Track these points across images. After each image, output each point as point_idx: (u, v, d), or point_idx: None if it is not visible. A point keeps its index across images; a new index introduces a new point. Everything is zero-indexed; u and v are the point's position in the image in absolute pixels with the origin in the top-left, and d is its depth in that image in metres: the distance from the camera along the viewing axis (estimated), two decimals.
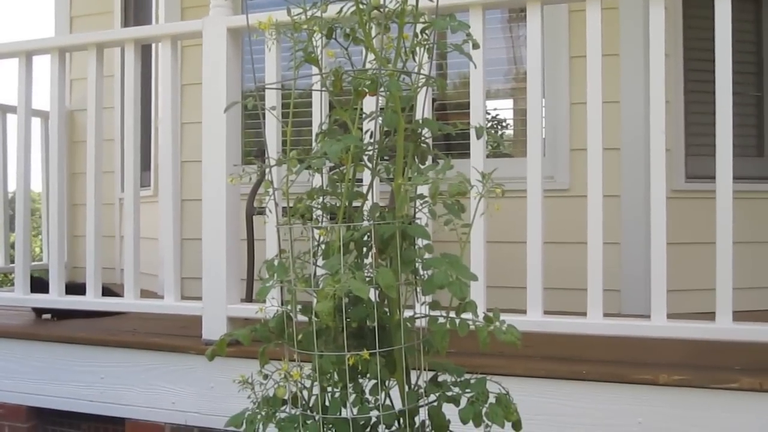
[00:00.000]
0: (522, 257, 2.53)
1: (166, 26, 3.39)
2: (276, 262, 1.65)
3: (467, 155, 2.52)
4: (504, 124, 4.49)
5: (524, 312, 2.52)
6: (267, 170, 1.67)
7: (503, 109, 4.43)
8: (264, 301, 1.62)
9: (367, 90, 1.49)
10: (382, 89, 1.54)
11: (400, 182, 1.55)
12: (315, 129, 2.58)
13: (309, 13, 1.71)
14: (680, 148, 3.84)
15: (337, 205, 1.68)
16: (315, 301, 1.52)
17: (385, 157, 1.71)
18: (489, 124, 4.32)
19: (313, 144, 1.88)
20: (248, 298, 3.62)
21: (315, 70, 1.73)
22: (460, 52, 1.69)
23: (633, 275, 3.63)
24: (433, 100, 3.24)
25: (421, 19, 1.58)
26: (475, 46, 1.55)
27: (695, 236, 3.36)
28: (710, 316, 2.34)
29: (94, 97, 3.15)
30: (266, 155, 1.83)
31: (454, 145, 4.04)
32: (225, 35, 2.82)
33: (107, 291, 3.33)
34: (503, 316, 1.56)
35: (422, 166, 1.65)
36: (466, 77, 4.21)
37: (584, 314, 2.47)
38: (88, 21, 5.49)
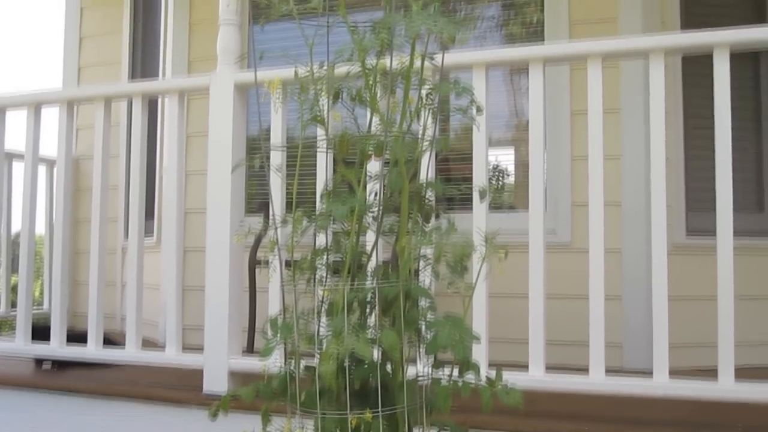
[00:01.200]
0: (523, 310, 2.54)
1: (173, 81, 3.45)
2: (279, 321, 1.66)
3: (470, 207, 2.53)
4: (506, 173, 4.52)
5: (526, 367, 2.52)
6: (272, 229, 1.69)
7: (504, 155, 4.45)
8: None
9: (372, 153, 1.52)
10: (387, 152, 1.57)
11: (404, 244, 1.57)
12: (320, 187, 2.62)
13: (315, 72, 1.75)
14: (681, 203, 3.87)
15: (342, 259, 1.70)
16: (318, 360, 1.53)
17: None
18: (491, 173, 4.35)
19: (318, 202, 1.91)
20: (249, 349, 3.62)
21: (321, 127, 1.77)
22: (463, 115, 1.72)
23: (635, 329, 3.63)
24: (436, 154, 3.27)
25: (426, 84, 1.62)
26: (479, 110, 1.59)
27: (697, 291, 3.36)
28: (713, 372, 2.33)
29: (101, 148, 3.19)
30: (271, 212, 1.85)
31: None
32: (232, 91, 2.87)
33: (108, 339, 3.32)
34: (505, 374, 1.57)
35: (426, 226, 1.67)
36: (468, 125, 4.26)
37: (586, 370, 2.46)
38: (96, 71, 5.57)
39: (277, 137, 2.81)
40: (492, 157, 4.36)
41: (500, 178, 4.45)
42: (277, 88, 1.75)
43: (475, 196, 1.76)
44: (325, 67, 1.77)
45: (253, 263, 3.61)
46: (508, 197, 4.43)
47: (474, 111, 1.61)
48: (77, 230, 4.91)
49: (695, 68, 3.83)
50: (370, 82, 1.56)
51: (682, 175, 3.88)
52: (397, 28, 1.63)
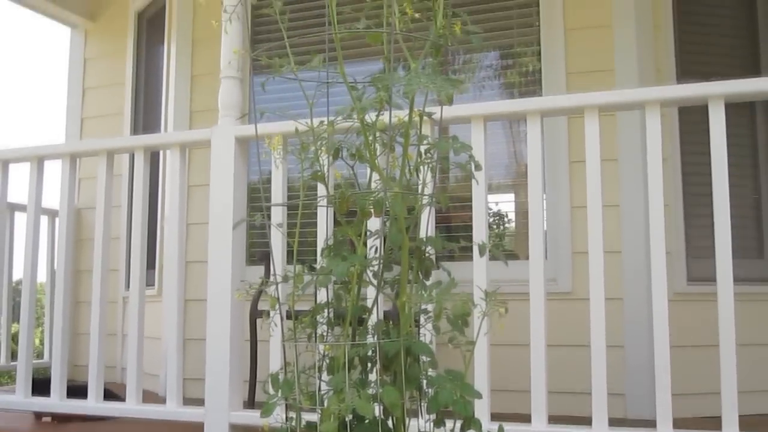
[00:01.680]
0: (525, 359, 2.53)
1: (175, 135, 3.48)
2: (281, 377, 1.66)
3: (470, 254, 2.54)
4: (505, 219, 4.54)
5: (529, 418, 2.50)
6: (273, 286, 1.70)
7: (504, 201, 4.47)
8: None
9: (372, 211, 1.54)
10: (386, 210, 1.59)
11: (404, 300, 1.58)
12: (320, 242, 2.64)
13: (316, 125, 1.78)
14: (681, 250, 3.87)
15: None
16: (319, 418, 1.52)
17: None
18: (491, 219, 4.37)
19: (318, 257, 1.92)
20: (251, 401, 3.59)
21: (322, 183, 1.79)
22: (463, 170, 1.74)
23: (637, 378, 3.61)
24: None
25: (425, 139, 1.64)
26: (477, 167, 1.61)
27: (698, 339, 3.36)
28: (717, 421, 2.32)
29: (103, 200, 3.21)
30: (272, 269, 1.87)
31: (454, 238, 4.07)
32: (233, 145, 2.90)
33: (108, 392, 3.31)
34: (507, 427, 1.56)
35: (426, 282, 1.68)
36: (467, 172, 4.28)
37: (589, 421, 2.45)
38: (99, 122, 5.63)
39: (278, 193, 2.83)
40: (492, 204, 4.38)
41: (500, 228, 4.47)
42: (278, 146, 1.77)
43: (475, 250, 1.78)
44: (325, 124, 1.80)
45: (255, 314, 3.60)
46: (508, 244, 4.44)
47: (473, 167, 1.63)
48: (78, 280, 4.91)
49: (692, 115, 3.87)
50: (370, 140, 1.59)
51: (682, 221, 3.89)
52: (396, 86, 1.67)
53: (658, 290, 2.46)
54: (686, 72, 3.96)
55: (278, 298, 1.68)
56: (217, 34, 4.71)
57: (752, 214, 4.18)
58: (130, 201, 4.48)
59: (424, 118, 1.75)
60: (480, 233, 2.51)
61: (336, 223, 1.87)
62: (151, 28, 5.51)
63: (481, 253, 1.61)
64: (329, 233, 2.67)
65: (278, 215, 2.78)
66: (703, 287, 3.70)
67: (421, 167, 1.67)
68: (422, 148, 1.68)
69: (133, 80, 5.50)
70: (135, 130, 5.40)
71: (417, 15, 1.70)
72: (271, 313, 1.78)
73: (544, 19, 4.10)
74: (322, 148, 1.65)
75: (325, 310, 1.76)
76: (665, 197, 3.91)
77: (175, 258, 3.04)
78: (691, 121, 3.92)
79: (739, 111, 4.04)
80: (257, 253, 4.42)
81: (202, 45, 4.80)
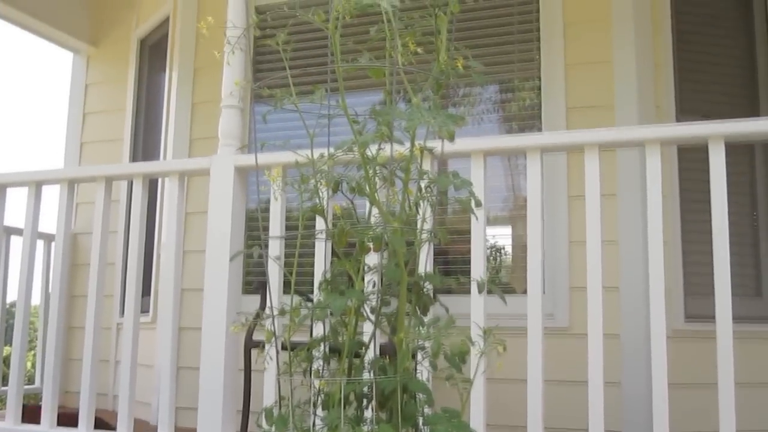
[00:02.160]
0: (522, 395, 2.51)
1: (174, 163, 3.48)
2: (275, 412, 1.64)
3: (468, 288, 2.52)
4: (503, 251, 4.52)
5: None
6: (269, 321, 1.68)
7: (502, 235, 4.45)
8: None
9: (371, 246, 1.53)
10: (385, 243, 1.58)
11: (401, 336, 1.56)
12: (317, 275, 2.62)
13: (316, 157, 1.77)
14: (679, 287, 3.86)
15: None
16: None
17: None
18: (489, 251, 4.35)
19: (316, 290, 1.91)
20: (243, 431, 3.55)
21: (321, 216, 1.78)
22: (462, 206, 1.74)
23: (634, 416, 3.58)
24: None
25: (425, 175, 1.64)
26: (478, 204, 1.60)
27: (697, 377, 3.34)
28: None
29: (100, 226, 3.19)
30: (269, 301, 1.85)
31: (452, 270, 4.06)
32: (232, 174, 2.89)
33: (99, 420, 3.26)
34: None
35: (424, 318, 1.67)
36: (465, 206, 4.27)
37: None
38: (98, 147, 5.64)
39: (275, 225, 2.82)
40: (489, 236, 4.36)
41: (497, 261, 4.45)
42: (277, 178, 1.77)
43: (474, 287, 1.77)
44: (325, 157, 1.80)
45: (249, 344, 3.58)
46: (505, 277, 4.41)
47: (473, 203, 1.63)
48: (72, 305, 4.88)
49: (690, 152, 3.88)
50: (370, 174, 1.58)
51: (680, 258, 3.88)
52: (396, 120, 1.67)
53: (657, 329, 2.44)
54: (685, 110, 3.98)
55: (274, 332, 1.67)
56: (219, 63, 4.72)
57: (750, 252, 4.17)
58: (127, 227, 4.48)
59: (424, 152, 1.75)
60: (478, 269, 2.49)
61: (334, 255, 1.86)
62: (152, 55, 5.54)
63: (480, 290, 1.60)
64: (326, 266, 2.66)
65: (276, 247, 2.77)
66: (701, 325, 3.69)
67: (421, 202, 1.67)
68: (422, 184, 1.68)
69: (134, 106, 5.52)
70: (134, 157, 5.40)
71: (419, 50, 1.70)
72: (267, 347, 1.76)
73: (545, 53, 4.12)
74: (322, 181, 1.64)
75: (321, 344, 1.74)
76: (664, 233, 3.91)
77: (171, 285, 3.02)
78: (690, 158, 3.93)
79: (737, 149, 4.05)
80: (254, 282, 4.40)
81: (203, 73, 4.82)
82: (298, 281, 4.42)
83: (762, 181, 4.15)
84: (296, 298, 1.66)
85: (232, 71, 3.01)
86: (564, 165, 3.95)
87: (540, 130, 4.06)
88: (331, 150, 1.88)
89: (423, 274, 1.63)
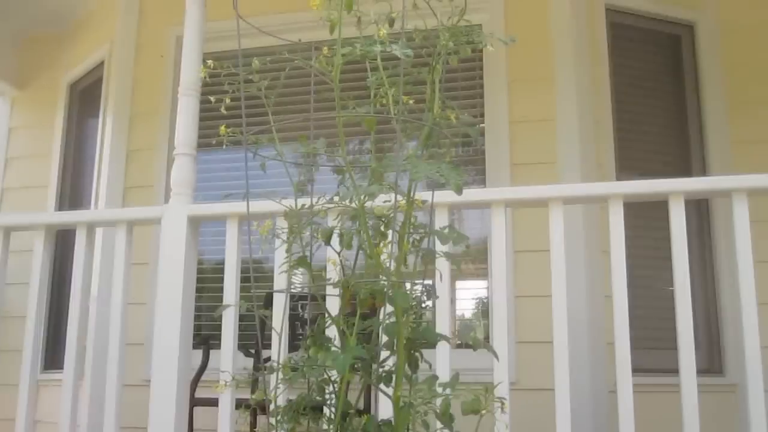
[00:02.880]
0: None
1: (123, 212, 3.31)
2: None
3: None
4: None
5: None
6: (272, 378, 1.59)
7: (465, 289, 4.43)
8: None
9: (374, 300, 1.47)
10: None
11: (399, 394, 1.51)
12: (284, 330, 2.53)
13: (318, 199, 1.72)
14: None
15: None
16: None
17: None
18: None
19: (275, 348, 1.82)
20: None
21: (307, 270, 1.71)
22: (451, 261, 1.71)
23: None
24: None
25: (422, 229, 1.60)
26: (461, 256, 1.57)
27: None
28: None
29: (38, 279, 3.01)
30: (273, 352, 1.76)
31: None
32: (185, 224, 2.78)
33: None
34: None
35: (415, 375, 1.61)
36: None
37: None
38: (22, 194, 5.36)
39: (231, 280, 2.72)
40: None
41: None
42: (265, 231, 1.70)
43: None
44: (308, 207, 1.75)
45: (192, 403, 3.41)
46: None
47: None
48: None
49: (634, 208, 3.98)
50: (365, 228, 1.53)
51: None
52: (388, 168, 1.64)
53: (624, 380, 2.46)
54: (624, 167, 4.09)
55: (272, 392, 1.58)
56: (157, 110, 4.66)
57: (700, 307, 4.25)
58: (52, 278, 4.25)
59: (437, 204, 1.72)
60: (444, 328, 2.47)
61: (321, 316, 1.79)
62: (84, 100, 5.36)
63: (475, 348, 1.56)
64: (285, 321, 2.57)
65: (231, 297, 2.66)
66: (648, 378, 3.73)
67: (414, 256, 1.63)
68: (417, 237, 1.64)
69: (62, 152, 5.30)
70: (61, 204, 5.17)
71: (411, 101, 1.69)
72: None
73: (488, 109, 4.18)
74: (316, 234, 1.59)
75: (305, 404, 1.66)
76: (607, 288, 3.96)
77: (117, 340, 2.85)
78: (634, 214, 4.02)
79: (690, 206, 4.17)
80: (196, 336, 4.23)
81: (140, 120, 4.69)
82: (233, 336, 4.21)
83: (708, 239, 4.26)
84: (287, 356, 1.58)
85: (186, 117, 2.92)
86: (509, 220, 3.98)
87: (485, 185, 4.09)
88: (320, 199, 1.83)
89: (420, 330, 1.58)
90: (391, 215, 1.61)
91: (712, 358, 4.17)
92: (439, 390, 1.42)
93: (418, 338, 1.58)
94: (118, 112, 4.72)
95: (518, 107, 4.12)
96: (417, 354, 1.66)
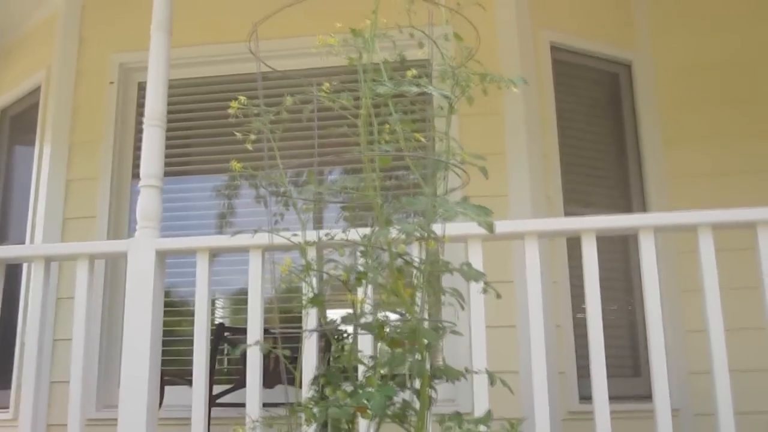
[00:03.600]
0: None
1: (85, 245, 3.12)
2: None
3: None
4: None
5: None
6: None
7: None
8: None
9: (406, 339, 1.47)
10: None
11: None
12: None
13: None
14: (573, 369, 3.99)
15: None
16: None
17: None
18: None
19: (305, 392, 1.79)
20: None
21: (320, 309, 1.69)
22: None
23: None
24: None
25: (447, 265, 1.61)
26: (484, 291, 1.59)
27: None
28: None
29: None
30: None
31: None
32: (153, 258, 2.69)
33: None
34: None
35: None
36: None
37: None
38: None
39: (202, 315, 2.66)
40: None
41: None
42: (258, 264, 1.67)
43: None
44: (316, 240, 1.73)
45: None
46: None
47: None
48: None
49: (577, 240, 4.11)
50: (392, 267, 1.53)
51: (572, 341, 4.02)
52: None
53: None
54: (570, 201, 4.21)
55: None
56: (100, 138, 4.52)
57: (627, 335, 4.41)
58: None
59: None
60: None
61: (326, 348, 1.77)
62: (16, 127, 5.14)
63: (492, 383, 1.58)
64: (258, 362, 2.54)
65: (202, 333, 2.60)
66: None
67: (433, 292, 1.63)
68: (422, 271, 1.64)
69: None
70: None
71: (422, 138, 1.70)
72: None
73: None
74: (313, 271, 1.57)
75: None
76: (558, 317, 4.06)
77: (79, 378, 2.72)
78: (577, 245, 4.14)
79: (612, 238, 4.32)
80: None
81: (80, 148, 4.53)
82: (184, 373, 4.13)
83: (636, 270, 4.42)
84: (310, 394, 1.55)
85: (152, 147, 2.84)
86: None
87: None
88: (323, 235, 1.82)
89: (442, 367, 1.58)
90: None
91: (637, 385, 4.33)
92: (474, 426, 1.41)
93: (438, 375, 1.58)
94: (57, 141, 4.55)
95: (469, 142, 4.16)
96: (432, 390, 1.67)
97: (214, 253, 2.77)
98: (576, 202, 4.24)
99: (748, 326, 2.75)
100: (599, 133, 4.64)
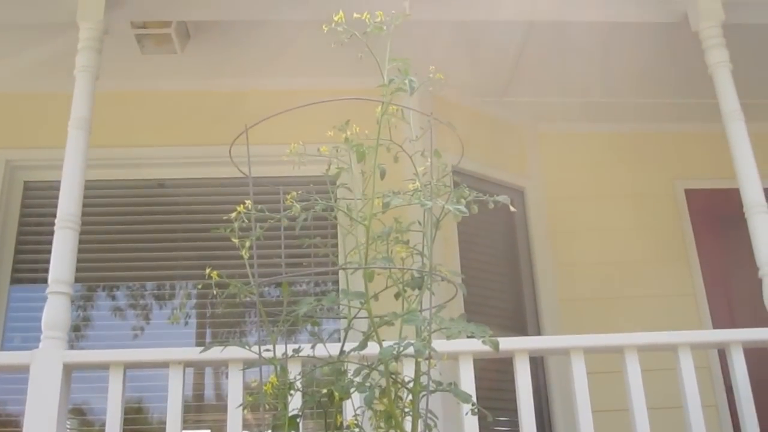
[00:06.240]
0: None
1: None
2: None
3: None
4: None
5: None
6: None
7: None
8: None
9: None
10: None
11: None
12: None
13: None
14: None
15: None
16: None
17: None
18: None
19: None
20: None
21: None
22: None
23: None
24: None
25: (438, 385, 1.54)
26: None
27: None
28: None
29: None
30: None
31: None
32: (60, 372, 2.44)
33: None
34: None
35: None
36: None
37: None
38: None
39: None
40: None
41: None
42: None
43: None
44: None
45: None
46: None
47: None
48: None
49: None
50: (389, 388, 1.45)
51: None
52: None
53: None
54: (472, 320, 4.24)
55: None
56: None
57: None
58: None
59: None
60: None
61: None
62: None
63: None
64: None
65: None
66: None
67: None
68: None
69: None
70: None
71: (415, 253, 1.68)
72: None
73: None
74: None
75: None
76: None
77: None
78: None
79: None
80: None
81: None
82: None
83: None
84: None
85: (63, 252, 2.63)
86: None
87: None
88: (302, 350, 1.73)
89: None
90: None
91: None
92: None
93: None
94: None
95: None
96: None
97: (129, 367, 2.56)
98: (479, 305, 4.29)
99: None
100: (497, 257, 4.73)
